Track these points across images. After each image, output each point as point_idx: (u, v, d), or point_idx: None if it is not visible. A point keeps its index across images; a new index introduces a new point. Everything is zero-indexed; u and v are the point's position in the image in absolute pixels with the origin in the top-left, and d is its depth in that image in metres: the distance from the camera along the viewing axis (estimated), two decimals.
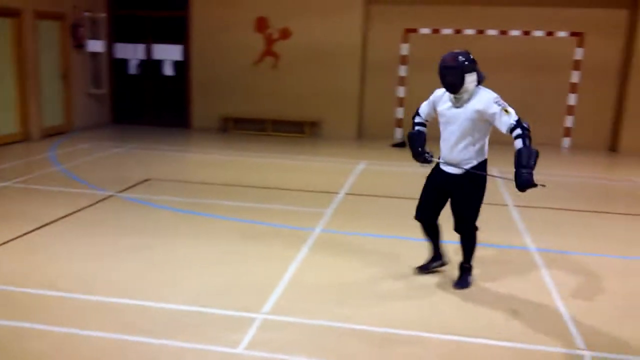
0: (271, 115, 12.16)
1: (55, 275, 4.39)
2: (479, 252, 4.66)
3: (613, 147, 11.38)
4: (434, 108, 4.40)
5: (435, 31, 11.48)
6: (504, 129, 3.95)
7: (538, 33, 11.17)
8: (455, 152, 4.19)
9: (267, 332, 3.62)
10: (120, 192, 6.86)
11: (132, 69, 12.92)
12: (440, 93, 4.32)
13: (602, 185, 8.20)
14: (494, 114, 3.98)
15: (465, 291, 4.37)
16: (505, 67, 11.16)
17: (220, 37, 12.15)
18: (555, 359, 3.44)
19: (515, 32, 11.21)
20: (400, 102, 11.72)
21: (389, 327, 3.75)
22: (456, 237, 4.46)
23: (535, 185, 3.79)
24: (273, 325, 3.73)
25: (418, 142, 4.43)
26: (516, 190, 3.88)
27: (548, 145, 11.23)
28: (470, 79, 4.02)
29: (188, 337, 3.51)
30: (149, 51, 12.78)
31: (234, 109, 12.35)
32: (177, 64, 12.73)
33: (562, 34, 11.11)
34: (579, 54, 11.13)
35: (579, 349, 3.54)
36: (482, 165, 4.22)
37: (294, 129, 12.19)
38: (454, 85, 4.04)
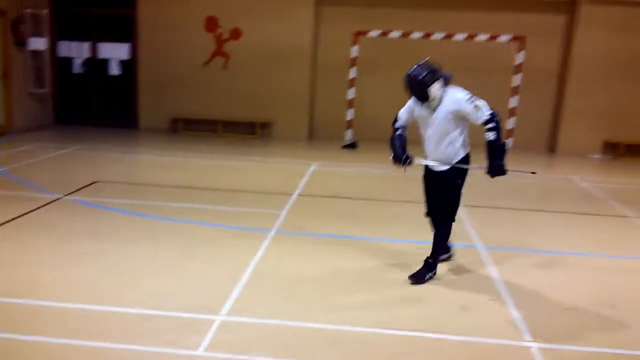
0: (222, 116, 12.09)
1: (0, 280, 4.25)
2: (422, 251, 4.84)
3: (552, 147, 11.94)
4: (412, 114, 4.62)
5: (384, 34, 11.69)
6: (478, 122, 4.28)
7: (482, 37, 11.57)
8: (439, 150, 4.48)
9: (226, 334, 3.64)
10: (68, 195, 6.68)
11: (77, 67, 12.53)
12: (414, 100, 4.56)
13: (541, 184, 8.60)
14: (468, 114, 4.29)
15: (417, 288, 4.51)
16: (450, 69, 11.39)
17: (170, 36, 11.98)
18: (504, 351, 3.61)
19: (460, 36, 11.57)
20: (350, 103, 11.89)
21: (343, 324, 3.84)
22: (423, 236, 4.57)
23: (505, 173, 4.29)
24: (232, 326, 3.75)
25: (399, 146, 4.62)
26: (488, 176, 4.35)
27: None
28: (435, 87, 4.32)
29: (146, 341, 3.49)
30: (94, 49, 12.44)
31: (184, 109, 12.20)
32: (124, 63, 12.45)
33: (504, 37, 11.54)
34: (520, 57, 11.60)
35: (526, 340, 3.72)
36: (467, 158, 4.53)
37: (246, 130, 12.16)
38: (420, 97, 4.37)
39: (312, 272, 4.77)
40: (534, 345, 3.67)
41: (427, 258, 4.67)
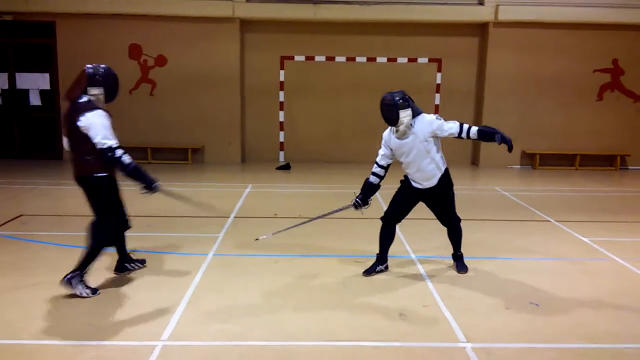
0: (152, 143, 11.91)
1: None
2: (371, 260, 5.01)
3: (474, 161, 12.56)
4: (389, 148, 5.03)
5: (310, 58, 12.00)
6: (453, 131, 4.79)
7: (402, 60, 12.11)
8: (421, 170, 4.92)
9: (168, 359, 3.61)
10: None
11: None
12: (386, 134, 5.05)
13: (469, 195, 9.03)
14: (444, 129, 4.79)
15: (356, 300, 4.65)
16: (374, 91, 11.88)
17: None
18: (440, 353, 3.80)
19: (382, 59, 12.05)
20: (281, 126, 12.03)
21: (287, 340, 3.91)
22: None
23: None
24: (174, 351, 3.73)
25: (369, 192, 5.15)
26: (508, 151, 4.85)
27: None
28: (405, 114, 4.79)
29: None
30: (11, 80, 11.96)
31: None
32: (44, 93, 12.04)
33: (422, 60, 12.13)
34: (438, 78, 12.20)
35: (460, 341, 3.93)
36: (447, 170, 5.04)
37: (177, 156, 12.03)
38: (391, 120, 4.82)
39: (252, 291, 4.80)
40: (468, 345, 3.87)
41: (455, 253, 5.39)
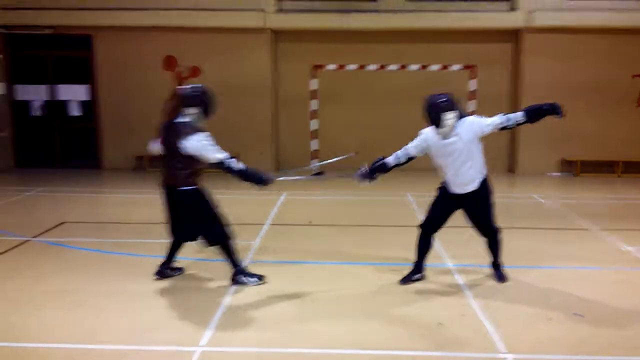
0: None
1: None
2: (407, 269, 4.97)
3: (511, 168, 12.36)
4: (421, 151, 4.97)
5: (341, 67, 12.03)
6: (498, 123, 4.77)
7: (434, 67, 12.03)
8: (461, 174, 4.84)
9: None
10: (36, 236, 6.56)
11: (35, 110, 12.38)
12: (429, 132, 4.91)
13: (505, 203, 8.87)
14: (489, 124, 4.79)
15: (387, 310, 4.58)
16: (406, 99, 11.86)
17: (129, 76, 12.01)
18: None
19: (413, 67, 12.00)
20: (315, 134, 12.06)
21: (323, 347, 3.88)
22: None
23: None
24: (212, 356, 3.75)
25: (378, 167, 5.07)
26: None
27: None
28: (450, 116, 4.70)
29: None
30: (52, 92, 12.33)
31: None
32: (84, 104, 12.37)
33: (455, 67, 12.02)
34: (472, 85, 12.07)
35: (500, 352, 3.84)
36: (487, 176, 5.02)
37: (212, 165, 12.13)
38: (436, 121, 4.73)
39: (288, 298, 4.80)
40: (510, 356, 3.78)
41: (494, 262, 5.27)
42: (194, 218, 4.91)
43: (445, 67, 12.04)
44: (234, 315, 4.43)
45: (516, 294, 4.95)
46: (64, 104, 12.37)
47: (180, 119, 4.79)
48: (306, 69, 12.15)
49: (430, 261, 5.56)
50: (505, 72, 12.18)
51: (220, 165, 4.76)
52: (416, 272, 5.21)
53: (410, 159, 5.05)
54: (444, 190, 5.05)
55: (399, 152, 5.07)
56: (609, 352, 3.85)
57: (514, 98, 12.11)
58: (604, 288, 5.12)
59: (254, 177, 4.88)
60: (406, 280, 5.17)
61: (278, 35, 12.03)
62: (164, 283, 5.12)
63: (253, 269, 5.44)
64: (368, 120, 12.07)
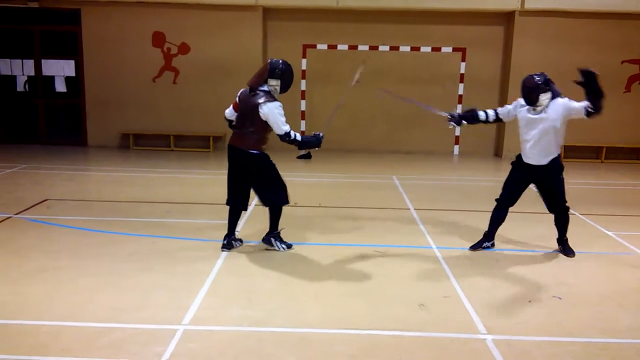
0: (174, 131, 12.00)
1: None
2: (391, 251, 4.97)
3: (497, 152, 12.41)
4: (513, 115, 5.48)
5: (332, 47, 11.94)
6: (581, 112, 5.08)
7: (425, 49, 11.97)
8: (538, 147, 5.21)
9: (189, 343, 3.65)
10: (18, 213, 6.51)
11: (20, 86, 12.20)
12: (522, 105, 5.33)
13: (491, 187, 8.92)
14: (575, 107, 5.09)
15: (372, 290, 4.63)
16: (397, 80, 11.82)
17: (116, 52, 11.84)
18: (460, 344, 3.77)
19: (405, 48, 11.94)
20: (302, 115, 12.01)
21: (306, 327, 3.91)
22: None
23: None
24: (195, 335, 3.76)
25: (469, 115, 5.61)
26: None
27: (439, 153, 12.04)
28: (545, 96, 5.11)
29: (109, 354, 3.46)
30: (38, 67, 12.14)
31: (134, 125, 12.04)
32: (69, 80, 12.19)
33: (446, 49, 11.98)
34: (462, 67, 12.05)
35: (480, 333, 3.89)
36: (559, 155, 5.32)
37: (199, 144, 12.10)
38: (531, 101, 5.15)
39: (272, 278, 4.82)
40: (489, 337, 3.83)
41: (560, 238, 5.62)
42: (261, 179, 5.30)
43: (436, 49, 11.99)
44: (216, 294, 4.44)
45: (498, 277, 5.00)
46: (49, 79, 12.18)
47: (262, 87, 5.17)
48: (297, 47, 12.03)
49: (414, 243, 5.61)
50: (497, 55, 12.15)
51: (283, 137, 5.19)
52: (487, 240, 5.63)
53: (496, 120, 5.58)
54: (517, 163, 5.40)
55: (489, 110, 5.59)
56: (586, 334, 3.92)
57: (503, 82, 12.10)
58: (584, 272, 5.20)
59: (314, 143, 5.44)
60: (476, 246, 5.63)
61: (269, 13, 11.88)
62: (148, 262, 5.11)
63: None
64: (358, 101, 12.01)
